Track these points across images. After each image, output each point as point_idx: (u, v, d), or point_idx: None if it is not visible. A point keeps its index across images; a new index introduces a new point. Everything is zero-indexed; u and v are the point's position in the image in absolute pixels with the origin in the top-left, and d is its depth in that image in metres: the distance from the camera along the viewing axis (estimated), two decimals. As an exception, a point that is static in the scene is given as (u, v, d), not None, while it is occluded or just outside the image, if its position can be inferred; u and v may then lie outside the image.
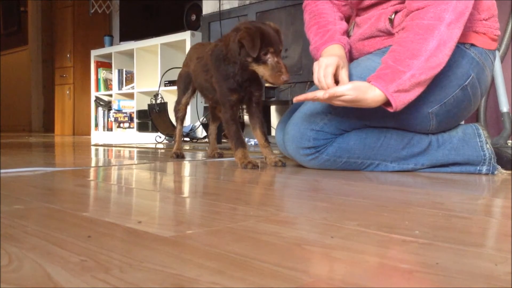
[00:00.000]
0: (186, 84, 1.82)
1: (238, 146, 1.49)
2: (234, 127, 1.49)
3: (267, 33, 1.37)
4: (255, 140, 2.91)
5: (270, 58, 1.36)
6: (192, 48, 1.86)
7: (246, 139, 3.08)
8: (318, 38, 1.45)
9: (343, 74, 1.28)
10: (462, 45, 1.31)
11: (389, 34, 1.37)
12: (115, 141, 3.91)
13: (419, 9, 1.21)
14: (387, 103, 1.22)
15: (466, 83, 1.33)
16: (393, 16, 1.35)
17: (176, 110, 1.88)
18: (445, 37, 1.17)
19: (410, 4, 1.24)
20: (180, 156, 1.86)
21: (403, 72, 1.18)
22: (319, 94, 1.22)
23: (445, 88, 1.32)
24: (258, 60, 1.37)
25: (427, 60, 1.17)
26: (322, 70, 1.27)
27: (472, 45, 1.33)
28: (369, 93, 1.19)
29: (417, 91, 1.21)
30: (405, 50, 1.19)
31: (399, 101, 1.19)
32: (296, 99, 1.28)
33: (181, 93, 1.85)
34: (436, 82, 1.31)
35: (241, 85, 1.47)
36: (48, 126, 6.75)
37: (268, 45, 1.36)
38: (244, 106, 1.59)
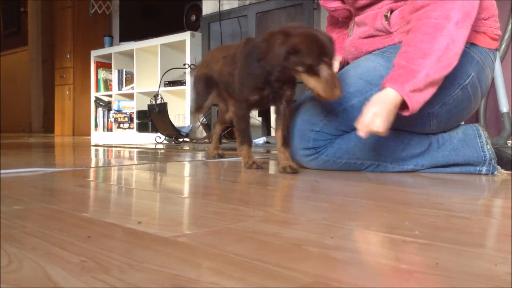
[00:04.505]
0: (207, 87, 1.65)
1: (244, 142, 1.43)
2: (244, 125, 1.43)
3: (322, 41, 1.21)
4: (257, 140, 2.91)
5: (324, 70, 1.20)
6: (215, 50, 1.71)
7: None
8: None
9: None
10: None
11: (388, 32, 1.37)
12: (115, 141, 3.91)
13: (424, 6, 1.20)
14: (403, 107, 1.20)
15: (466, 83, 1.33)
16: (388, 13, 1.35)
17: (194, 108, 1.76)
18: (454, 35, 1.16)
19: (414, 2, 1.23)
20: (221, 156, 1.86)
21: (418, 71, 1.16)
22: (362, 135, 1.21)
23: (445, 87, 1.32)
24: (310, 71, 1.21)
25: (438, 59, 1.16)
26: None
27: (472, 44, 1.32)
28: (387, 96, 1.18)
29: (431, 91, 1.19)
30: (416, 49, 1.18)
31: (415, 101, 1.17)
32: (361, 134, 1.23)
33: (202, 96, 1.67)
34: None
35: (270, 84, 1.33)
36: (48, 127, 6.75)
37: (323, 54, 1.20)
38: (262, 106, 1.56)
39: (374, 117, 1.18)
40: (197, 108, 1.73)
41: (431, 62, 1.16)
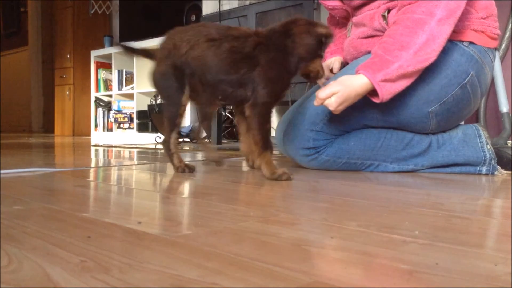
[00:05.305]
0: (180, 79, 1.34)
1: (267, 148, 1.25)
2: (269, 127, 1.27)
3: None
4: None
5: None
6: (177, 33, 1.35)
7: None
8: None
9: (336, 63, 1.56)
10: (460, 42, 1.31)
11: (386, 32, 1.38)
12: (115, 141, 3.91)
13: (411, 3, 1.23)
14: (374, 93, 1.23)
15: (465, 81, 1.33)
16: (386, 13, 1.36)
17: (175, 116, 1.35)
18: (435, 32, 1.19)
19: (403, 1, 1.26)
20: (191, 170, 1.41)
21: (392, 62, 1.19)
22: (315, 103, 1.26)
23: (444, 86, 1.32)
24: (321, 55, 1.31)
25: (415, 53, 1.19)
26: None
27: (471, 43, 1.33)
28: (355, 81, 1.22)
29: (403, 83, 1.22)
30: (394, 41, 1.21)
31: (385, 91, 1.21)
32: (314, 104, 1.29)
33: (177, 93, 1.34)
34: (435, 81, 1.31)
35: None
36: (48, 127, 6.75)
37: None
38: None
39: (332, 95, 1.21)
40: (173, 112, 1.35)
41: (407, 55, 1.19)
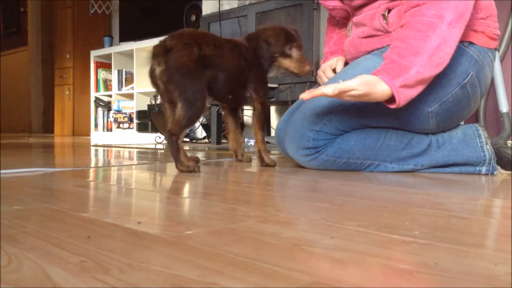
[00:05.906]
0: (203, 80, 1.36)
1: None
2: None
3: (289, 30, 1.51)
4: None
5: (294, 52, 1.48)
6: (203, 36, 1.42)
7: (246, 139, 3.08)
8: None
9: (339, 64, 1.58)
10: (460, 43, 1.31)
11: (386, 32, 1.38)
12: (114, 141, 3.91)
13: (419, 5, 1.21)
14: (390, 99, 1.22)
15: (465, 81, 1.33)
16: (386, 12, 1.36)
17: (198, 116, 1.37)
18: (446, 36, 1.17)
19: (409, 2, 1.24)
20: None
21: (409, 67, 1.17)
22: (327, 90, 1.19)
23: (444, 86, 1.32)
24: (284, 54, 1.48)
25: (429, 58, 1.17)
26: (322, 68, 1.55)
27: (471, 43, 1.33)
28: (378, 86, 1.19)
29: (419, 89, 1.21)
30: (408, 46, 1.19)
31: (403, 97, 1.19)
32: (302, 97, 1.23)
33: (201, 93, 1.35)
34: (435, 81, 1.31)
35: None
36: (48, 127, 6.75)
37: (292, 40, 1.48)
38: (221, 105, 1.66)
39: (351, 91, 1.18)
40: (193, 124, 1.42)
41: (422, 60, 1.17)
